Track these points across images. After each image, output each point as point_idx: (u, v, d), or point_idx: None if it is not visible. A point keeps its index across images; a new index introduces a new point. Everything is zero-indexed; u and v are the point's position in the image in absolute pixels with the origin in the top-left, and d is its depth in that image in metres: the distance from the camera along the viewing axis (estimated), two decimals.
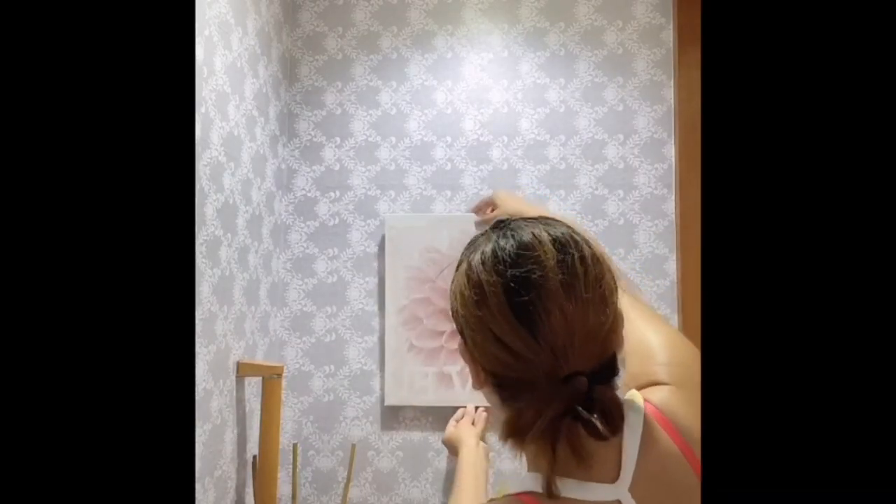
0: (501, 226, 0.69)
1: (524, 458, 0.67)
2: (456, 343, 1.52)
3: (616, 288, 0.65)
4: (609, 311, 0.63)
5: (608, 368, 0.63)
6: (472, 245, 0.69)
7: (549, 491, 0.60)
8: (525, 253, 0.63)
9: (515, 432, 0.61)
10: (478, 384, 0.68)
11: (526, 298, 0.61)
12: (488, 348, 0.63)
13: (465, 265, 0.68)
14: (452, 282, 0.70)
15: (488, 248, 0.66)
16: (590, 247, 0.65)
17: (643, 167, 1.51)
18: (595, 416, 0.59)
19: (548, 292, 0.61)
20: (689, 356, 0.76)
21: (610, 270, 0.65)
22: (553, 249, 0.63)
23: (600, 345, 0.62)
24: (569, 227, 0.67)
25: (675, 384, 0.71)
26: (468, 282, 0.66)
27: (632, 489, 0.62)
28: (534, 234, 0.65)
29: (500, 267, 0.63)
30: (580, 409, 0.59)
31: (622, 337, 0.65)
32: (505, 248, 0.64)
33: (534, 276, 0.62)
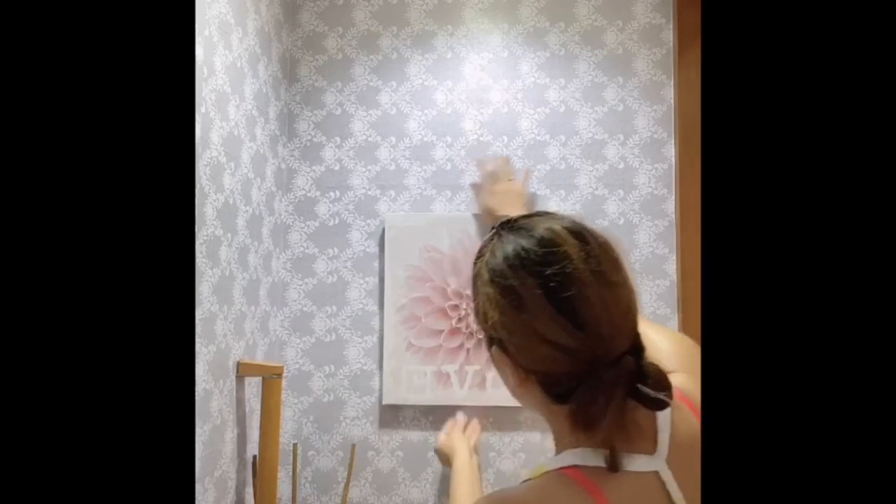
0: (511, 227, 0.69)
1: (552, 442, 0.70)
2: (455, 342, 1.52)
3: (628, 267, 0.68)
4: (632, 287, 0.66)
5: (641, 344, 0.65)
6: (487, 250, 0.70)
7: (613, 463, 0.63)
8: (551, 249, 0.64)
9: (588, 423, 0.62)
10: (519, 387, 0.69)
11: (565, 294, 0.62)
12: (535, 349, 0.64)
13: (487, 273, 0.68)
14: (477, 294, 0.70)
15: (510, 251, 0.66)
16: (600, 233, 0.68)
17: (643, 167, 1.51)
18: (649, 387, 0.62)
19: (583, 283, 0.63)
20: (689, 345, 0.82)
21: (622, 249, 0.68)
22: (574, 240, 0.65)
23: (632, 322, 0.65)
24: (571, 218, 0.69)
25: (686, 371, 0.75)
26: (500, 289, 0.66)
27: (668, 460, 0.66)
28: (550, 229, 0.66)
29: (533, 267, 0.64)
30: (640, 386, 0.62)
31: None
32: (528, 248, 0.65)
33: (567, 270, 0.63)
